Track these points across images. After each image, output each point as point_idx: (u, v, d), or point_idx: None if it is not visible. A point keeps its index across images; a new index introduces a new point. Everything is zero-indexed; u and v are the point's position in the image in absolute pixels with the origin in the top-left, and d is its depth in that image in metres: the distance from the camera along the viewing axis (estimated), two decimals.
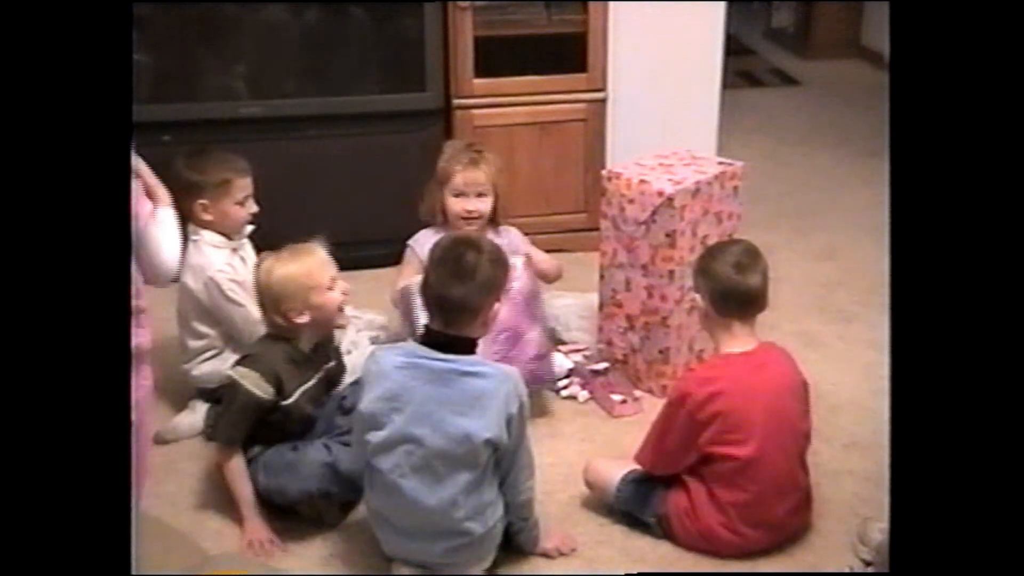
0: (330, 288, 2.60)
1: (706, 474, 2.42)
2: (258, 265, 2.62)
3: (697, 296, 2.49)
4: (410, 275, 3.04)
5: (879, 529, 2.39)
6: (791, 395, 2.45)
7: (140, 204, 2.08)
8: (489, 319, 2.30)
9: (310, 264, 2.58)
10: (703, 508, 2.42)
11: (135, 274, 2.03)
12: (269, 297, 2.55)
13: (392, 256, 3.32)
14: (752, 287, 2.41)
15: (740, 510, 2.39)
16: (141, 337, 2.05)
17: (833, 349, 3.38)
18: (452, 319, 2.25)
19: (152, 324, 2.14)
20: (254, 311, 2.85)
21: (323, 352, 2.67)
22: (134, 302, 2.02)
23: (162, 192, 2.30)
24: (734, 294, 2.41)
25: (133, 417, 2.05)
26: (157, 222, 2.22)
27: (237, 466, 2.52)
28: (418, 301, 2.75)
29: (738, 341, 2.44)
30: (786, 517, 2.45)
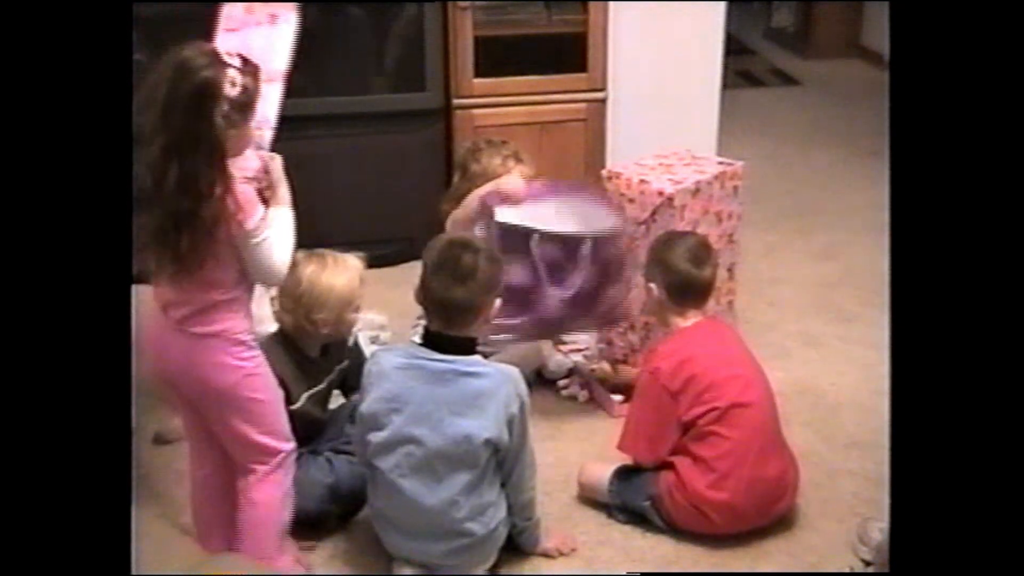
0: (352, 318, 2.59)
1: (687, 442, 2.47)
2: (295, 265, 2.49)
3: (652, 285, 2.60)
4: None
5: (879, 529, 2.39)
6: (747, 353, 2.59)
7: (251, 206, 2.06)
8: (490, 317, 2.31)
9: (355, 282, 2.54)
10: (689, 475, 2.45)
11: (221, 269, 2.07)
12: (304, 301, 2.49)
13: (392, 256, 3.32)
14: (706, 279, 2.58)
15: (724, 461, 2.42)
16: (229, 322, 2.12)
17: (833, 349, 3.38)
18: (454, 321, 2.25)
19: (250, 314, 2.18)
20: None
21: (334, 355, 2.65)
22: (218, 297, 2.09)
23: (283, 191, 2.19)
24: (690, 285, 2.55)
25: (246, 392, 2.16)
26: (270, 222, 2.13)
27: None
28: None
29: (688, 321, 2.58)
30: (774, 475, 2.47)
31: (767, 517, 2.49)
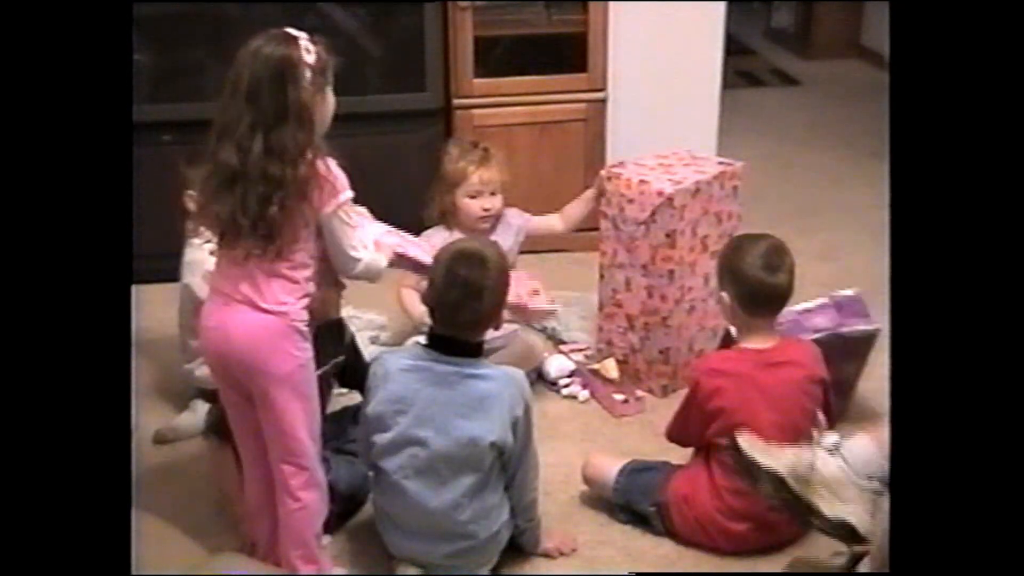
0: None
1: (711, 460, 2.43)
2: None
3: (724, 294, 2.46)
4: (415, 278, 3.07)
5: (832, 555, 2.37)
6: (804, 395, 2.45)
7: (339, 182, 2.17)
8: (498, 323, 2.33)
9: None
10: (703, 495, 2.43)
11: (297, 245, 2.15)
12: None
13: None
14: (781, 287, 2.41)
15: (741, 499, 2.39)
16: (293, 306, 2.17)
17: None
18: (464, 329, 2.26)
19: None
20: None
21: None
22: (287, 272, 2.15)
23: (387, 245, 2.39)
24: (763, 295, 2.41)
25: (299, 384, 2.20)
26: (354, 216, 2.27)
27: (227, 462, 2.50)
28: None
29: (759, 337, 2.45)
30: (781, 521, 2.44)
31: (770, 545, 2.47)
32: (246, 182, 2.06)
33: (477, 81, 3.75)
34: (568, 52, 3.85)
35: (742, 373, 2.40)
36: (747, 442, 2.24)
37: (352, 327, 3.17)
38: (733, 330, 2.55)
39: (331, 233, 2.18)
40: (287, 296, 2.16)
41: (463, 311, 2.23)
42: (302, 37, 2.12)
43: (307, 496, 2.25)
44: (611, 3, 3.77)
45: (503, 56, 3.81)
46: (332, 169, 2.16)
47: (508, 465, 2.29)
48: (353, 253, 2.23)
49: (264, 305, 2.14)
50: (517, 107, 3.81)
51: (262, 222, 2.07)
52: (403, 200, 3.36)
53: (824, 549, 2.48)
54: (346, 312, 3.20)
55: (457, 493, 2.24)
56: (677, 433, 2.55)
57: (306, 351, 2.22)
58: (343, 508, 2.54)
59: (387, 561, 2.40)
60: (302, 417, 2.21)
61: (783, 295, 2.43)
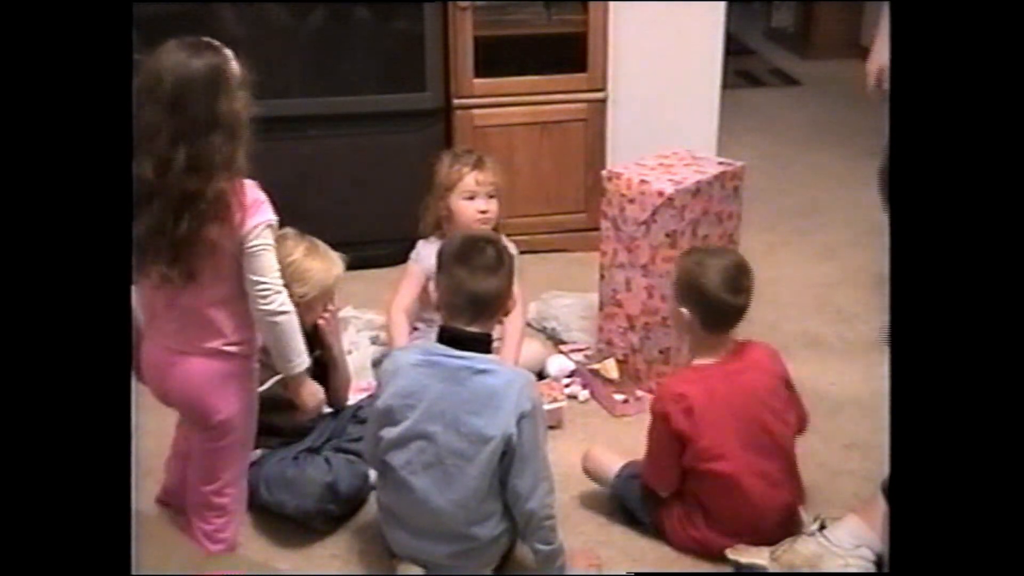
0: (322, 311, 2.61)
1: (697, 488, 2.42)
2: (283, 236, 2.51)
3: (684, 310, 2.43)
4: (411, 288, 3.07)
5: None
6: (770, 396, 2.43)
7: (257, 205, 2.12)
8: (506, 308, 2.33)
9: (335, 270, 2.59)
10: (698, 518, 2.42)
11: (219, 279, 2.12)
12: (285, 274, 2.48)
13: (392, 256, 3.33)
14: (743, 306, 2.42)
15: (733, 522, 2.39)
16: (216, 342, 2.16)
17: (833, 349, 3.38)
18: (482, 313, 2.25)
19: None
20: None
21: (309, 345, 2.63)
22: (213, 313, 2.14)
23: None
24: (725, 313, 2.41)
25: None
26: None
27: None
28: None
29: (714, 352, 2.45)
30: (782, 521, 2.43)
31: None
32: (163, 198, 1.98)
33: (477, 81, 3.75)
34: (568, 52, 3.85)
35: (707, 391, 2.37)
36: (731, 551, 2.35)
37: (352, 327, 3.19)
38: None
39: (250, 259, 2.09)
40: (220, 336, 2.15)
41: (486, 285, 2.21)
42: (226, 49, 2.06)
43: (223, 537, 2.34)
44: (611, 3, 3.78)
45: (503, 56, 3.81)
46: (255, 190, 2.10)
47: (512, 464, 2.25)
48: (276, 288, 2.13)
49: (205, 346, 2.13)
50: (517, 107, 3.81)
51: (177, 241, 1.99)
52: (403, 200, 3.38)
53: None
54: (346, 312, 3.21)
55: (462, 493, 2.23)
56: (655, 473, 2.46)
57: (250, 392, 2.23)
58: (343, 508, 2.54)
59: (389, 560, 2.40)
60: (230, 464, 2.27)
61: (741, 314, 2.43)
